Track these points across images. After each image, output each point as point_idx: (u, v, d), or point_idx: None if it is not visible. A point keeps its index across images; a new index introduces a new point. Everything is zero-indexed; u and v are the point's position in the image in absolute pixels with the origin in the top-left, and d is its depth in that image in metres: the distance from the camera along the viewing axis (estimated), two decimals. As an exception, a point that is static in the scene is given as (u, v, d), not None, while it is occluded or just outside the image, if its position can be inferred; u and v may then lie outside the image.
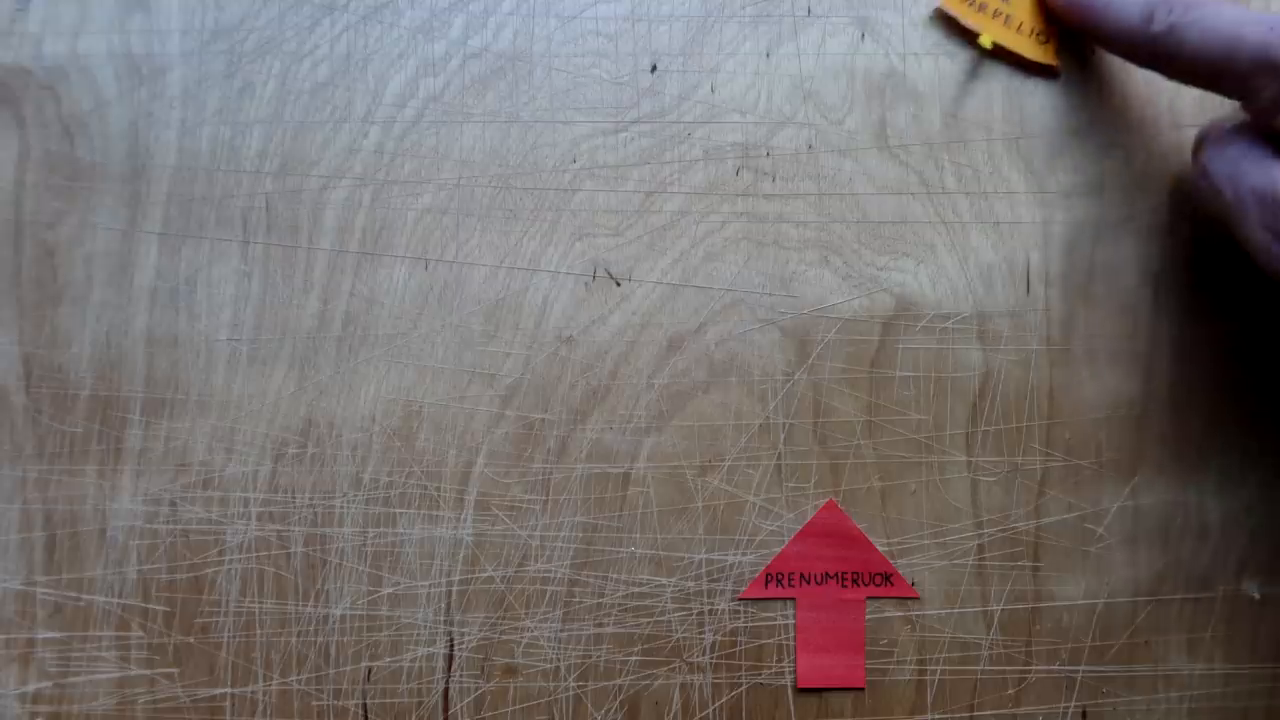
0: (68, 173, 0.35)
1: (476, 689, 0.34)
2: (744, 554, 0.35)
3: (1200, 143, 0.32)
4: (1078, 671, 0.34)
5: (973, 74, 0.35)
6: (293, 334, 0.35)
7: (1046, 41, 0.35)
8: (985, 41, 0.35)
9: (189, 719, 0.34)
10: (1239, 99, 0.30)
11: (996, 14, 0.35)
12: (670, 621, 0.35)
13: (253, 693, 0.34)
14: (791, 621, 0.35)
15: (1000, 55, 0.35)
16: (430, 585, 0.35)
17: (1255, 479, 0.35)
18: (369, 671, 0.35)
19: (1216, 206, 0.30)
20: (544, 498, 0.35)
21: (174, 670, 0.35)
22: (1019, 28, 0.35)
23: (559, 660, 0.35)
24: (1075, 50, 0.35)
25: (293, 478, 0.35)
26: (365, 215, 0.35)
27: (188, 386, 0.35)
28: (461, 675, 0.34)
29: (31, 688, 0.35)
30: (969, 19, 0.35)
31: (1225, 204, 0.29)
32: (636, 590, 0.35)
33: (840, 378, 0.35)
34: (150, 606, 0.35)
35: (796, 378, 0.35)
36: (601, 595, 0.35)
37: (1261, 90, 0.28)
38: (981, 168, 0.35)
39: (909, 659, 0.35)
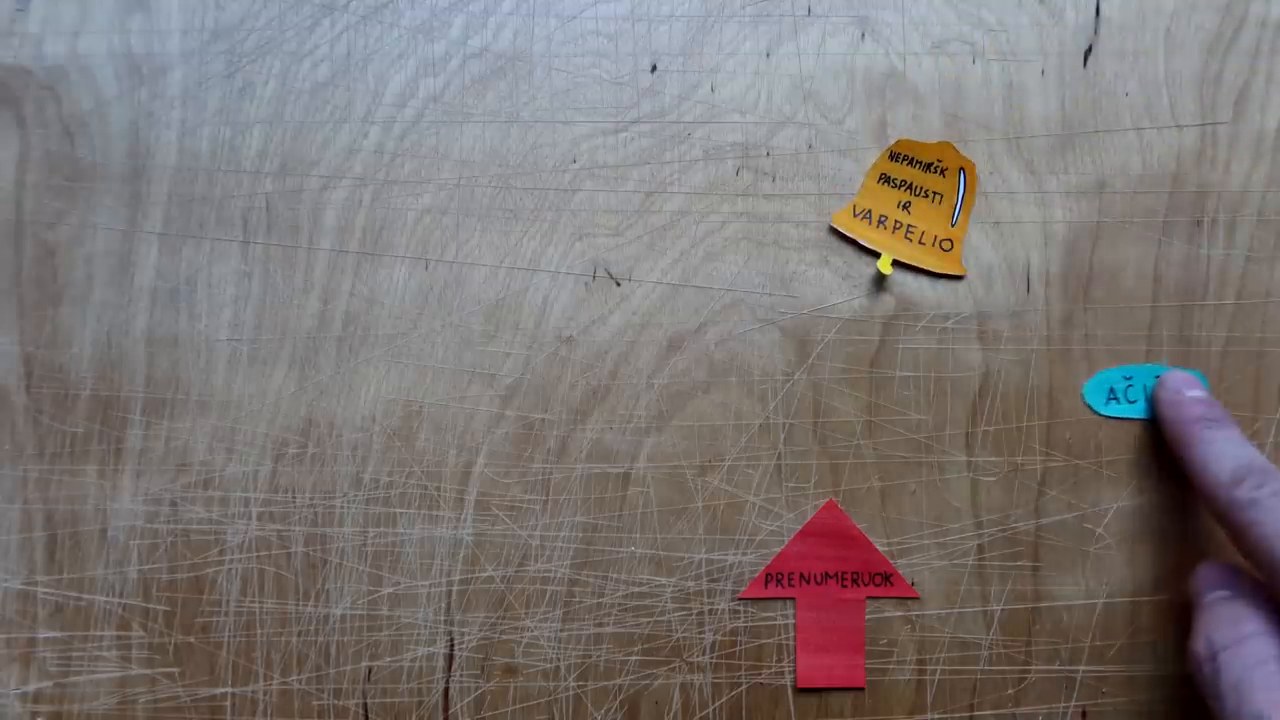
0: (68, 173, 0.35)
1: (476, 689, 0.35)
2: (744, 554, 0.35)
3: (1208, 614, 0.30)
4: (1078, 671, 0.34)
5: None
6: (293, 334, 0.35)
7: (950, 249, 0.35)
8: (885, 266, 0.34)
9: (189, 718, 0.35)
10: None
11: (896, 226, 0.35)
12: (670, 621, 0.35)
13: (253, 692, 0.35)
14: (791, 621, 0.35)
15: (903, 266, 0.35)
16: (430, 585, 0.35)
17: (1255, 479, 0.35)
18: (369, 671, 0.35)
19: (1208, 696, 0.28)
20: (544, 498, 0.35)
21: (175, 670, 0.35)
22: (920, 238, 0.35)
23: (559, 660, 0.35)
24: (1074, 57, 0.35)
25: (293, 478, 0.35)
26: (365, 215, 0.35)
27: (188, 386, 0.35)
28: (461, 675, 0.35)
29: (32, 687, 0.35)
30: (866, 238, 0.35)
31: (1220, 706, 0.28)
32: (636, 590, 0.35)
33: (840, 378, 0.35)
34: (151, 606, 0.35)
35: (796, 378, 0.35)
36: (601, 595, 0.35)
37: None
38: (981, 168, 0.35)
39: (909, 659, 0.35)
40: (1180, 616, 0.34)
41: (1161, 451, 0.35)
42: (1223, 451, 0.31)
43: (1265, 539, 0.28)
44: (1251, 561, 0.29)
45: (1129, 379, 0.34)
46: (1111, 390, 0.34)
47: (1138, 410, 0.34)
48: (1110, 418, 0.35)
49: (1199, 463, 0.31)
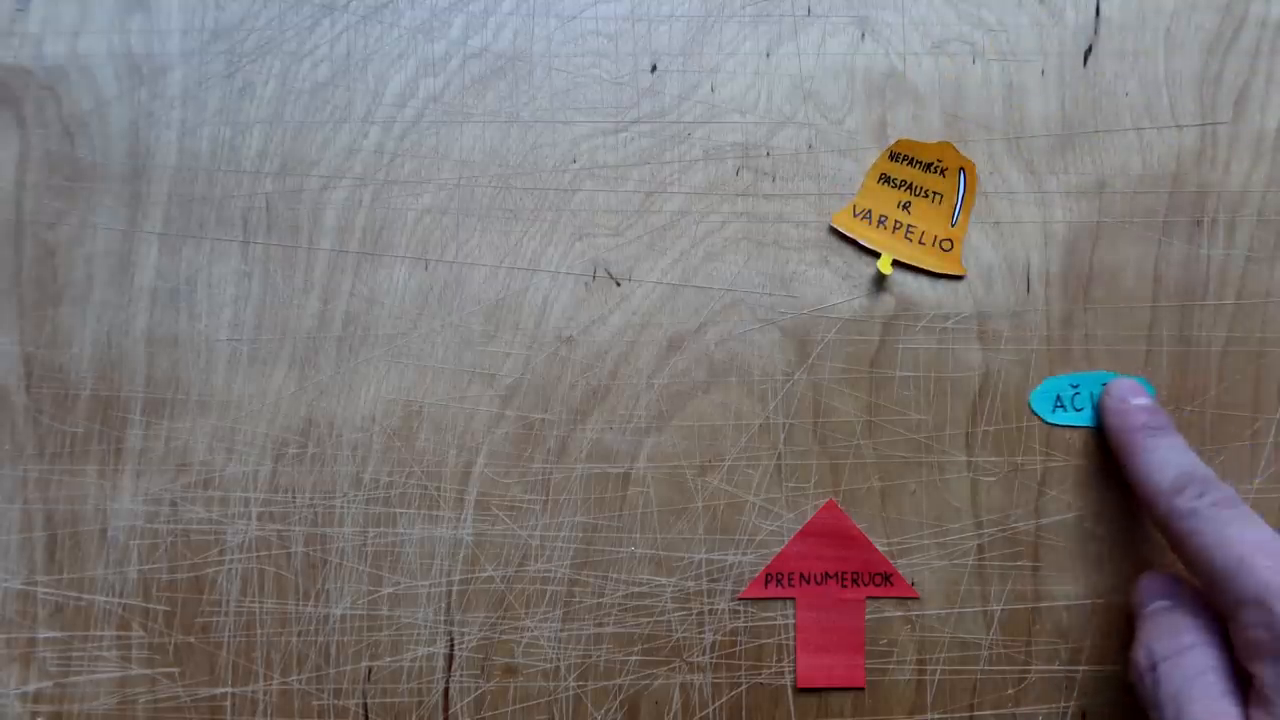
0: (68, 173, 0.35)
1: (476, 689, 0.35)
2: (744, 554, 0.35)
3: (1149, 624, 0.30)
4: (1077, 671, 0.34)
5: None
6: (293, 334, 0.35)
7: (950, 249, 0.35)
8: (885, 266, 0.34)
9: (189, 718, 0.35)
10: (1222, 614, 0.28)
11: (896, 226, 0.35)
12: (670, 621, 0.35)
13: (253, 692, 0.35)
14: (791, 621, 0.35)
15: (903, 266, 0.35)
16: (430, 585, 0.35)
17: (1255, 478, 0.35)
18: (369, 671, 0.35)
19: (1148, 706, 0.28)
20: (544, 498, 0.35)
21: (175, 670, 0.35)
22: (920, 238, 0.35)
23: (559, 660, 0.35)
24: (1074, 56, 0.35)
25: (293, 478, 0.35)
26: (365, 215, 0.35)
27: (188, 386, 0.35)
28: (461, 675, 0.35)
29: (32, 687, 0.35)
30: (866, 238, 0.35)
31: (1159, 717, 0.28)
32: (636, 590, 0.35)
33: (840, 378, 0.35)
34: (151, 606, 0.35)
35: (796, 378, 0.35)
36: (601, 595, 0.35)
37: (1246, 625, 0.26)
38: (981, 168, 0.35)
39: (909, 659, 0.35)
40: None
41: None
42: (1165, 459, 0.31)
43: (1204, 549, 0.28)
44: (1191, 571, 0.29)
45: (1075, 387, 0.34)
46: (1058, 398, 0.34)
47: (1084, 418, 0.34)
48: (1057, 425, 0.35)
49: (1141, 471, 0.31)
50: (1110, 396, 0.34)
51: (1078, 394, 0.34)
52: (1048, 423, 0.34)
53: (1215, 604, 0.28)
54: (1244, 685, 0.27)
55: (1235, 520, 0.28)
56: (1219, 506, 0.29)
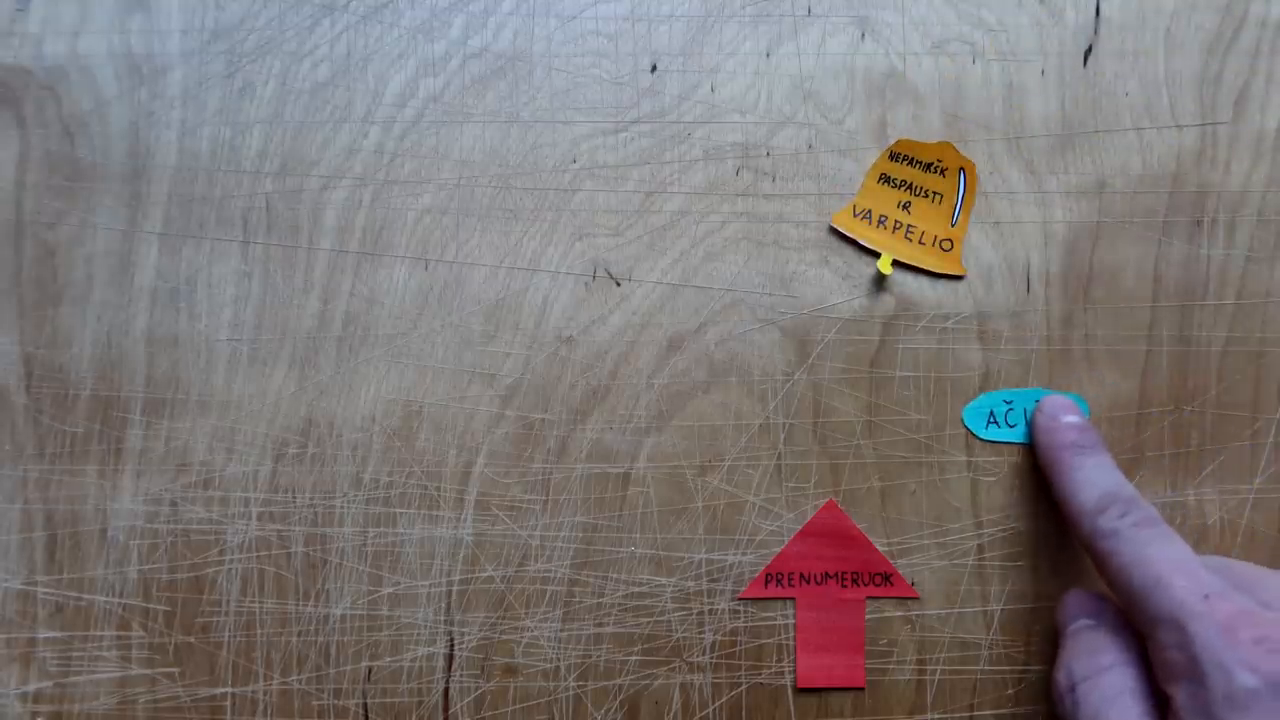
0: (68, 173, 0.35)
1: (476, 689, 0.35)
2: (744, 554, 0.35)
3: (1070, 643, 0.30)
4: (1077, 671, 0.34)
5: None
6: (293, 334, 0.35)
7: (950, 249, 0.35)
8: (885, 266, 0.34)
9: (189, 718, 0.35)
10: (1141, 634, 0.28)
11: (896, 227, 0.35)
12: (670, 621, 0.35)
13: (253, 692, 0.35)
14: (791, 621, 0.35)
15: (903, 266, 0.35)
16: (430, 585, 0.35)
17: (1255, 478, 0.35)
18: (369, 671, 0.35)
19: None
20: (544, 498, 0.35)
21: (175, 670, 0.35)
22: (920, 238, 0.35)
23: (559, 660, 0.35)
24: (1075, 58, 0.35)
25: (293, 478, 0.35)
26: (365, 215, 0.35)
27: (188, 386, 0.35)
28: (461, 675, 0.35)
29: (32, 687, 0.35)
30: (866, 238, 0.35)
31: None
32: (636, 590, 0.35)
33: (840, 378, 0.35)
34: (151, 606, 0.35)
35: (796, 378, 0.35)
36: (601, 595, 0.35)
37: (1162, 645, 0.26)
38: (981, 168, 0.35)
39: (909, 659, 0.35)
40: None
41: (1162, 451, 0.35)
42: (1089, 479, 0.31)
43: (1124, 568, 0.28)
44: (1112, 591, 0.29)
45: (1009, 403, 0.34)
46: (991, 414, 0.34)
47: (1017, 434, 0.34)
48: (991, 441, 0.35)
49: (1067, 490, 0.31)
50: (1041, 413, 0.33)
51: (1011, 410, 0.34)
52: (980, 439, 0.34)
53: (1134, 623, 0.28)
54: (1162, 707, 0.27)
55: (1155, 540, 0.28)
56: (1140, 526, 0.29)
